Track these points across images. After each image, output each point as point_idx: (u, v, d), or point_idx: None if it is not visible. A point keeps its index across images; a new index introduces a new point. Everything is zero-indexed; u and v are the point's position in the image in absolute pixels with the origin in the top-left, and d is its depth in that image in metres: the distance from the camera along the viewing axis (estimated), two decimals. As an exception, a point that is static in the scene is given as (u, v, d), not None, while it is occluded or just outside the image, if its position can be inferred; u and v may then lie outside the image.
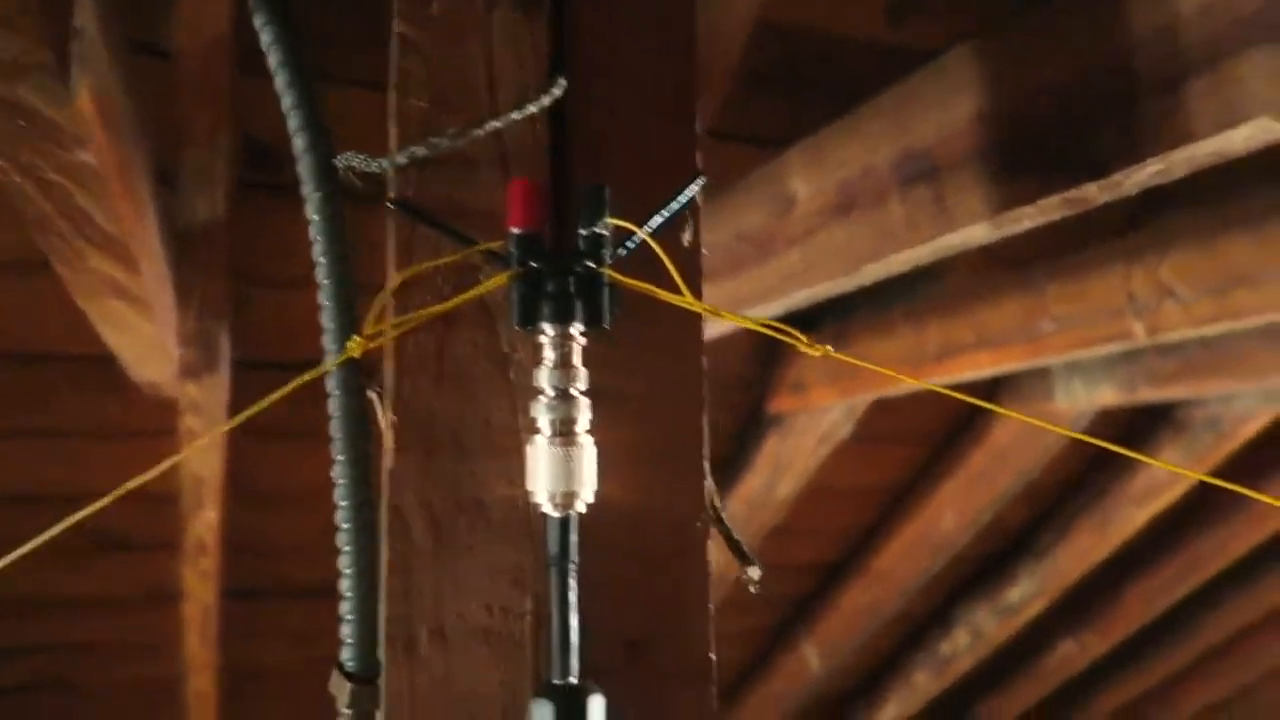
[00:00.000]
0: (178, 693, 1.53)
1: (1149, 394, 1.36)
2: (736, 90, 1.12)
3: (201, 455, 1.23)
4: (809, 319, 1.42)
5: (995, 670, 2.51)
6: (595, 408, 0.41)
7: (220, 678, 1.48)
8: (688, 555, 0.45)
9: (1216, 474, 1.82)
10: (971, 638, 2.17)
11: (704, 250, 0.46)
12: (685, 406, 0.45)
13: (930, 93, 0.67)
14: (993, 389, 1.61)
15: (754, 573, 0.47)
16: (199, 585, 1.37)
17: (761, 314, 0.86)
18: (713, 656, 0.45)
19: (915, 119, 0.68)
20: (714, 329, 1.25)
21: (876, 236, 0.69)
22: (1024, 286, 1.04)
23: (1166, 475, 1.74)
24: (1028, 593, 2.04)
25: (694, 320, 0.46)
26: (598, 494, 0.41)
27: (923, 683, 2.31)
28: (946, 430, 1.68)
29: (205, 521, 1.31)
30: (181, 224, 1.08)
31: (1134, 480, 1.78)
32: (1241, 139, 0.52)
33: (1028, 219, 0.60)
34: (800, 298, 0.84)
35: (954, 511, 1.73)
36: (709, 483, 0.46)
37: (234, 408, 1.19)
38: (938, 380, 1.20)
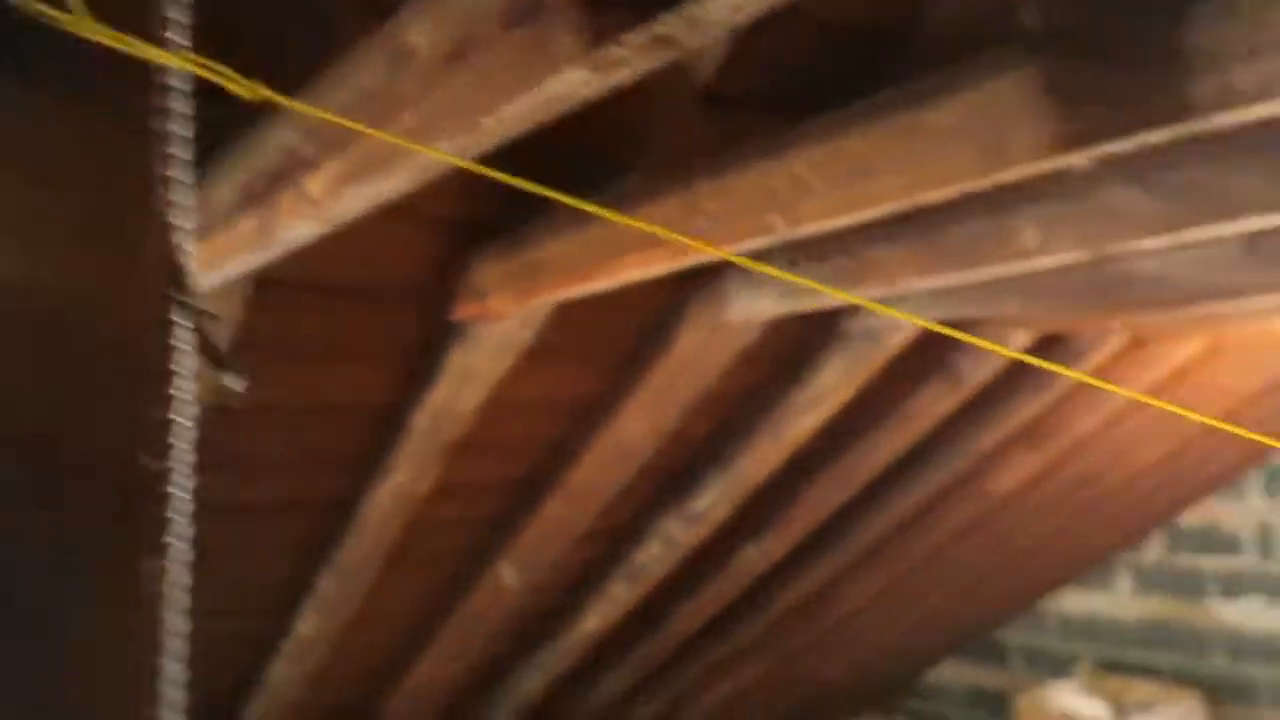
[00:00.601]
0: None
1: (806, 303, 1.45)
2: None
3: None
4: (488, 227, 1.37)
5: (687, 577, 2.66)
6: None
7: None
8: (119, 347, 0.37)
9: (874, 383, 2.00)
10: (663, 547, 2.27)
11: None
12: (123, 177, 0.37)
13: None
14: (679, 307, 1.66)
15: (233, 382, 0.40)
16: None
17: (385, 188, 0.80)
18: (149, 462, 0.38)
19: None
20: (388, 232, 1.17)
21: (487, 87, 0.65)
22: (680, 185, 1.06)
23: (831, 384, 1.89)
24: (714, 500, 2.15)
25: (142, 75, 0.37)
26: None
27: (620, 593, 2.40)
28: (631, 342, 1.71)
29: None
30: None
31: (803, 390, 1.91)
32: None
33: (624, 64, 0.58)
34: (423, 164, 0.79)
35: (642, 422, 1.78)
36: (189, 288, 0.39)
37: None
38: (603, 284, 1.19)
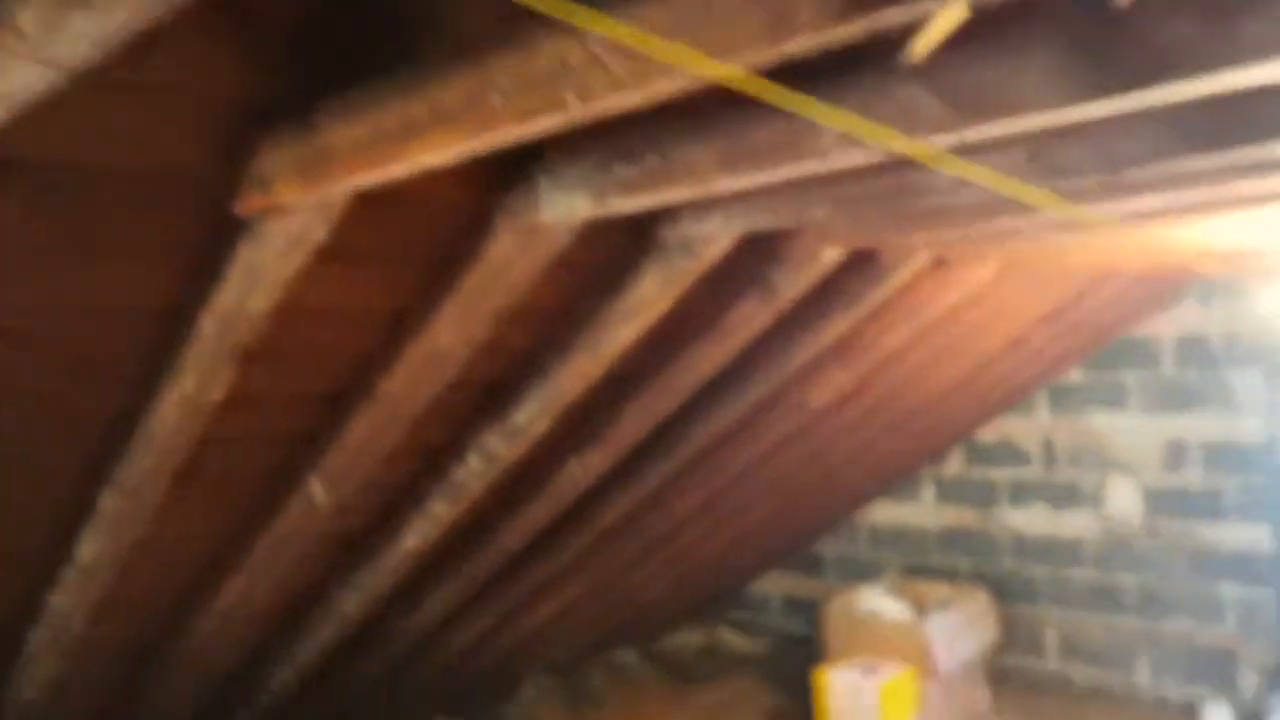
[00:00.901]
0: None
1: (618, 204, 1.42)
2: None
3: None
4: (275, 109, 1.26)
5: (509, 494, 2.64)
6: None
7: None
8: None
9: (691, 296, 2.01)
10: (483, 463, 2.23)
11: None
12: None
13: None
14: (490, 209, 1.59)
15: None
16: None
17: (115, 19, 0.70)
18: None
19: None
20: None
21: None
22: (473, 64, 1.00)
23: (648, 295, 1.88)
24: (534, 414, 2.13)
25: None
26: None
27: (440, 511, 2.35)
28: (441, 246, 1.64)
29: None
30: None
31: (620, 301, 1.90)
32: None
33: None
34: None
35: (454, 331, 1.72)
36: None
37: None
38: (397, 168, 1.12)
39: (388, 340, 1.79)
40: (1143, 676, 3.81)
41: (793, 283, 2.04)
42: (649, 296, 1.89)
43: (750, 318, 2.17)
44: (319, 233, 1.34)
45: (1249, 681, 3.57)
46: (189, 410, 1.56)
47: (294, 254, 1.35)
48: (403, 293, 1.72)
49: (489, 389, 2.14)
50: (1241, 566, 3.57)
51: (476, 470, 2.25)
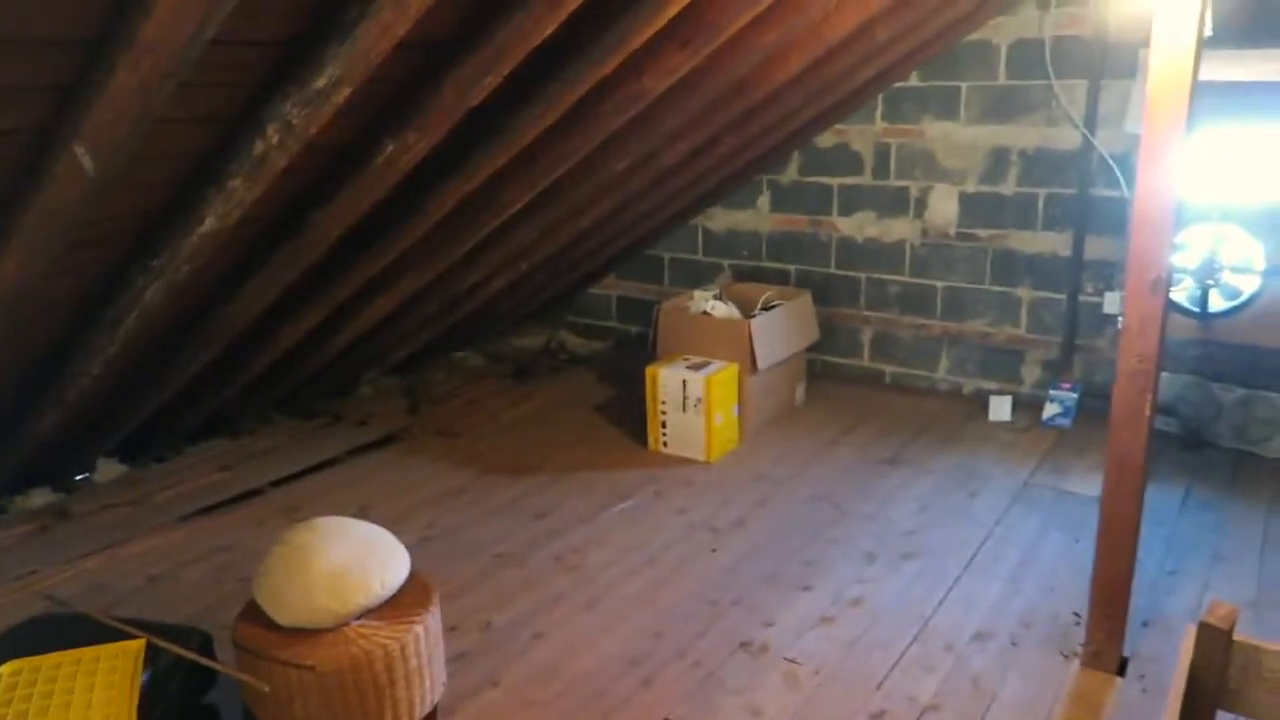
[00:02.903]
0: None
1: None
2: None
3: None
4: None
5: (323, 174, 2.46)
6: None
7: None
8: None
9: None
10: (283, 133, 2.03)
11: None
12: None
13: None
14: None
15: None
16: None
17: None
18: None
19: None
20: None
21: None
22: None
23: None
24: (334, 78, 1.92)
25: None
26: None
27: (240, 188, 2.16)
28: None
29: None
30: None
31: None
32: None
33: None
34: None
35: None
36: None
37: None
38: None
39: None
40: (942, 372, 4.17)
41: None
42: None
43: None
44: None
45: (1032, 375, 3.97)
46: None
47: None
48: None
49: (280, 46, 1.91)
50: (1040, 271, 3.85)
51: (275, 143, 2.05)
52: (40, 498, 3.20)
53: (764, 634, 2.43)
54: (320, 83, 1.92)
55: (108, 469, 3.39)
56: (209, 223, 2.22)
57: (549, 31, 2.12)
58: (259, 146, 2.06)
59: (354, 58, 1.87)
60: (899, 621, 2.48)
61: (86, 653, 1.68)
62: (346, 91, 1.95)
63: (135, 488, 3.31)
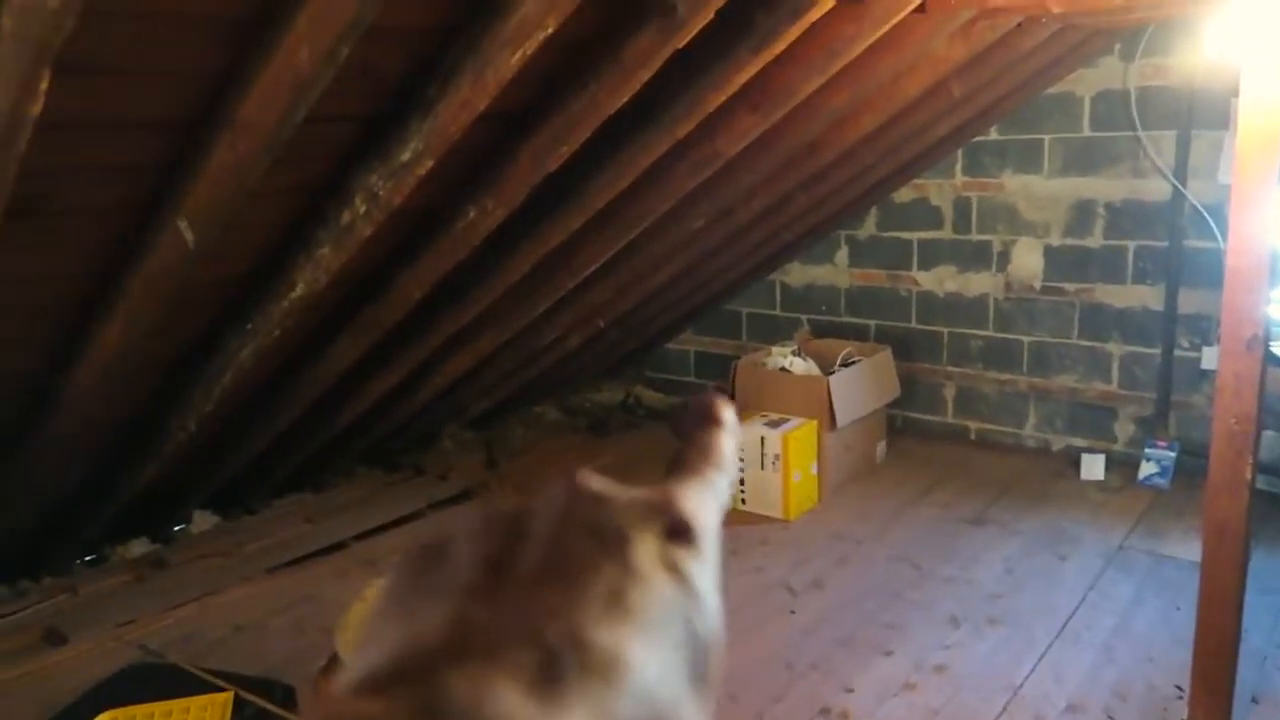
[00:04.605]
0: None
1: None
2: None
3: None
4: None
5: (406, 240, 2.56)
6: None
7: None
8: None
9: (584, 20, 1.86)
10: (369, 204, 2.12)
11: None
12: None
13: None
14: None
15: None
16: None
17: None
18: None
19: None
20: None
21: None
22: None
23: (531, 15, 1.72)
24: (417, 150, 2.00)
25: None
26: None
27: (328, 256, 2.26)
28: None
29: None
30: None
31: (500, 21, 1.74)
32: None
33: None
34: None
35: (309, 47, 1.56)
36: None
37: None
38: None
39: (237, 56, 1.62)
40: (1029, 428, 4.04)
41: (694, 5, 1.89)
42: (532, 16, 1.73)
43: (651, 50, 2.03)
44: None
45: (1126, 432, 3.82)
46: (6, 126, 1.41)
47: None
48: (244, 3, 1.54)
49: (366, 123, 2.00)
50: (1131, 325, 3.72)
51: (362, 213, 2.14)
52: (139, 547, 3.34)
53: (843, 700, 2.36)
54: (404, 155, 2.01)
55: (203, 520, 3.53)
56: (299, 288, 2.33)
57: (622, 101, 2.18)
58: (346, 216, 2.16)
59: (435, 131, 1.96)
60: (985, 691, 2.39)
61: (178, 704, 1.75)
62: (429, 163, 2.03)
63: (227, 539, 3.43)
